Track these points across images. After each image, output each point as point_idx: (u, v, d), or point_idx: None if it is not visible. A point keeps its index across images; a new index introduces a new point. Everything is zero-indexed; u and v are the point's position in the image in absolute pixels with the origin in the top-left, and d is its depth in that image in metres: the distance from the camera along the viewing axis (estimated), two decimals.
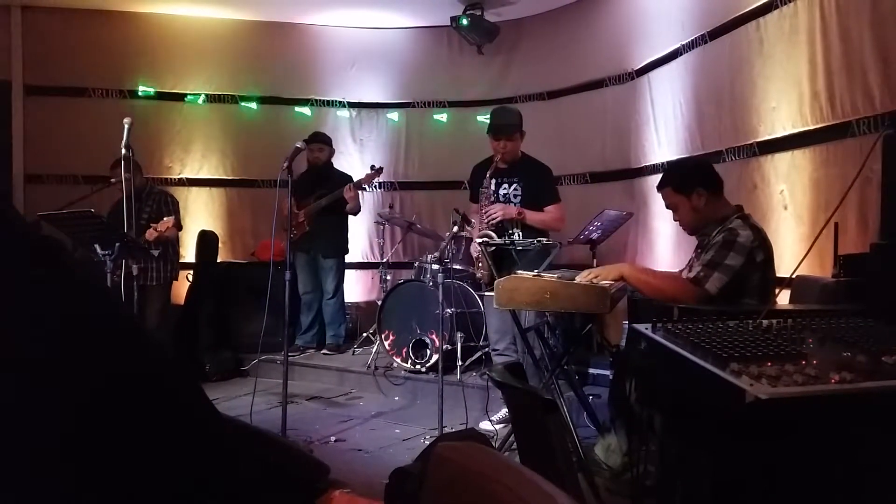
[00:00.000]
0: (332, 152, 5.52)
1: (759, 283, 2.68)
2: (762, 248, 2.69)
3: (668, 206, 2.97)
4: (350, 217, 5.48)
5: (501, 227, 3.90)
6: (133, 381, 0.71)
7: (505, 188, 4.04)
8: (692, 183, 2.84)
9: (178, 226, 4.82)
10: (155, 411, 0.72)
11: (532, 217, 3.92)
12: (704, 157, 4.24)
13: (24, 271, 0.71)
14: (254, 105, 6.43)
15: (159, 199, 4.87)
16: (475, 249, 3.93)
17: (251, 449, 1.55)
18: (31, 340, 0.68)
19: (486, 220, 3.89)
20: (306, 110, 6.55)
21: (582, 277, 2.83)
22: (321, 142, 5.42)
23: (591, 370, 4.54)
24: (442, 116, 6.60)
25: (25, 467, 0.67)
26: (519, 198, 4.01)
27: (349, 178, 5.30)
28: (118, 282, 3.89)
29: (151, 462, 0.71)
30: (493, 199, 4.00)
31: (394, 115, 6.67)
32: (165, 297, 4.99)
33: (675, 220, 2.98)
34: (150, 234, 4.29)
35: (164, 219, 4.36)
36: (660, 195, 3.01)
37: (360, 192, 5.38)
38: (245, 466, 1.47)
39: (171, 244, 4.82)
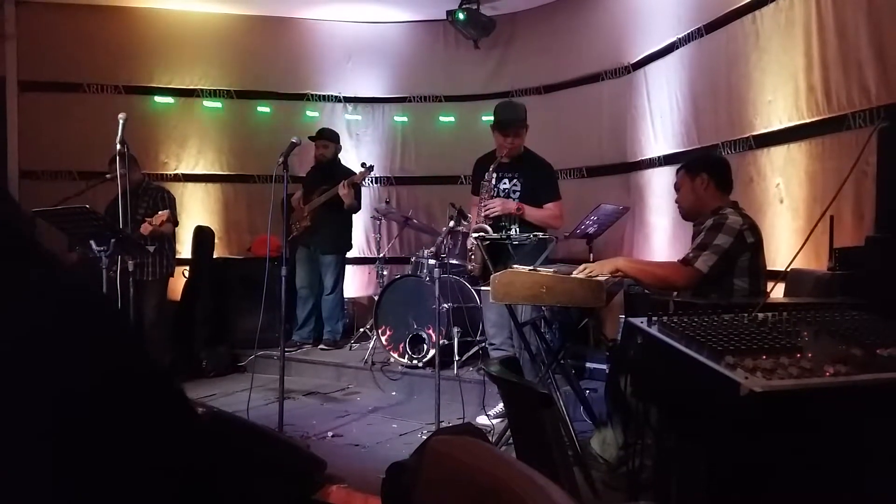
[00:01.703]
0: (338, 149, 5.52)
1: (750, 264, 2.73)
2: (752, 231, 2.75)
3: (675, 187, 3.06)
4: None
5: (499, 222, 3.90)
6: (121, 381, 0.71)
7: (505, 183, 4.03)
8: (700, 167, 2.95)
9: (175, 221, 4.81)
10: (137, 411, 0.72)
11: (530, 213, 3.92)
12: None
13: (22, 271, 0.71)
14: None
15: (155, 196, 4.85)
16: (471, 242, 3.93)
17: (247, 445, 1.54)
18: (21, 340, 0.67)
19: (483, 214, 3.89)
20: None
21: (578, 272, 2.84)
22: (326, 138, 5.43)
23: (588, 364, 4.54)
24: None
25: (14, 469, 0.66)
26: (518, 193, 4.00)
27: (353, 175, 5.30)
28: (114, 277, 3.87)
29: (138, 463, 0.71)
30: (493, 193, 3.99)
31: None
32: (162, 292, 4.98)
33: (675, 200, 3.07)
34: (145, 228, 4.28)
35: (159, 212, 4.35)
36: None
37: (358, 187, 5.36)
38: (240, 462, 1.47)
39: (167, 239, 4.81)
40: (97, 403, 0.68)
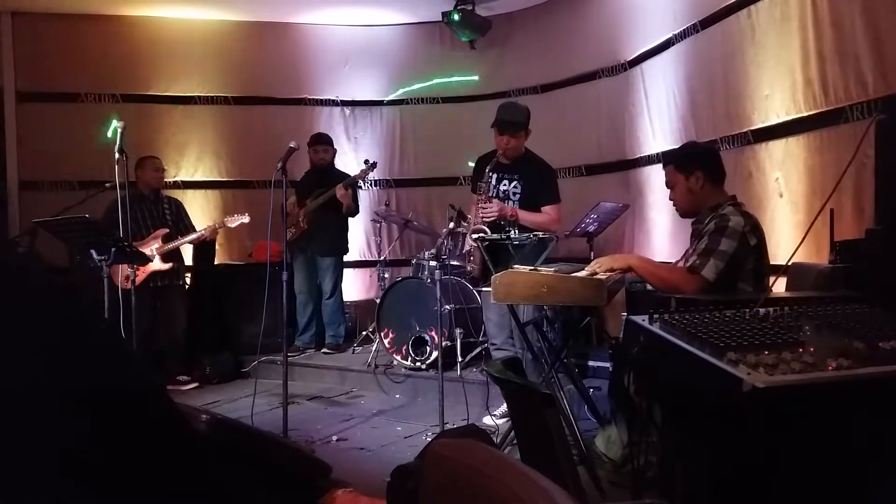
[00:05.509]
0: (334, 153, 5.53)
1: (754, 267, 2.69)
2: (754, 232, 2.70)
3: (667, 184, 2.99)
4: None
5: (497, 223, 3.89)
6: (116, 397, 0.71)
7: (505, 184, 4.01)
8: (693, 164, 2.85)
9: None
10: (133, 424, 0.72)
11: (525, 218, 3.88)
12: (713, 146, 4.20)
13: (27, 293, 0.71)
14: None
15: (171, 203, 5.06)
16: (470, 243, 3.91)
17: (253, 450, 1.55)
18: (24, 359, 0.68)
19: (480, 217, 3.88)
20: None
21: (592, 267, 2.83)
22: (326, 143, 5.45)
23: (592, 363, 4.54)
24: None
25: (21, 478, 0.67)
26: (518, 196, 3.98)
27: (348, 178, 5.30)
28: (116, 286, 3.88)
29: (136, 475, 0.71)
30: (492, 194, 3.98)
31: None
32: (185, 296, 5.16)
33: (670, 198, 3.00)
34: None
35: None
36: (657, 180, 3.02)
37: (356, 189, 5.36)
38: (246, 468, 1.47)
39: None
40: (91, 418, 0.68)
